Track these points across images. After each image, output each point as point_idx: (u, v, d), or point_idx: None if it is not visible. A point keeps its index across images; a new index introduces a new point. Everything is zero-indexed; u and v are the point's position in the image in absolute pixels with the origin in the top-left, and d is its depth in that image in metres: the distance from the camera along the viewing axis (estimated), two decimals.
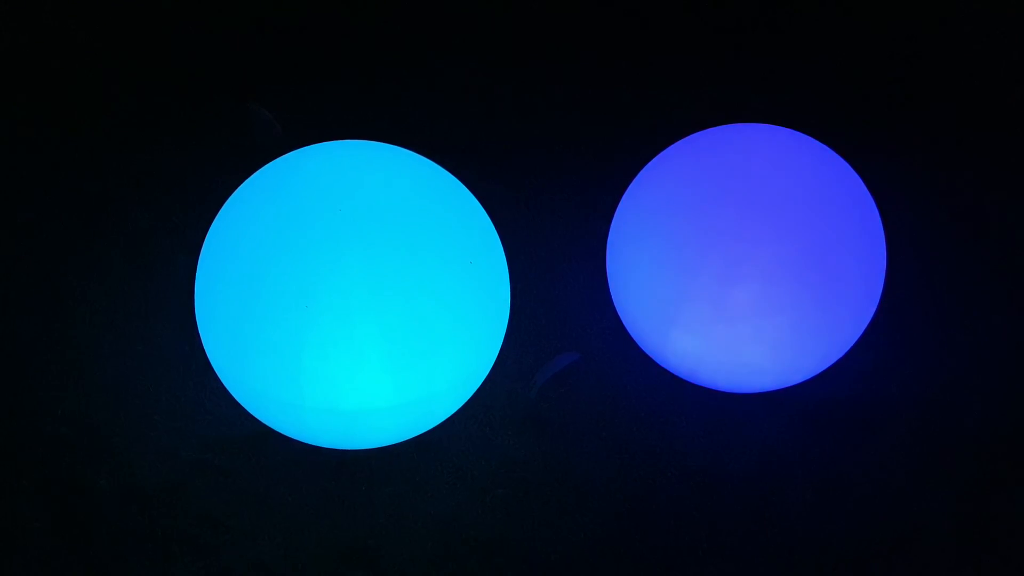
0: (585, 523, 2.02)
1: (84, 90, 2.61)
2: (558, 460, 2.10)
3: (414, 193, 1.85)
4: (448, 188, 1.92)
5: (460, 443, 2.11)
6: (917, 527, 2.02)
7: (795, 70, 2.65)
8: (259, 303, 1.75)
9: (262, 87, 2.61)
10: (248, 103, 2.56)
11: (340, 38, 2.70)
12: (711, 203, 1.88)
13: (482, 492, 2.06)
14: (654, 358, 2.09)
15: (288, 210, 1.78)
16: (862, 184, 1.97)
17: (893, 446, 2.12)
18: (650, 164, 2.06)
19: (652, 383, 2.19)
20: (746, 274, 1.85)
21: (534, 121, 2.57)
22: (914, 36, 2.70)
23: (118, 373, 2.20)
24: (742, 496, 2.06)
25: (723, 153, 1.95)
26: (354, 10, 2.73)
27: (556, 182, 2.47)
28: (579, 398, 2.18)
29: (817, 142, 1.99)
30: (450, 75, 2.65)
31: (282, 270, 1.74)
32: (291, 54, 2.68)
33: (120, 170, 2.49)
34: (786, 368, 1.98)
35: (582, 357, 2.23)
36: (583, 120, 2.57)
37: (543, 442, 2.12)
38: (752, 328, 1.87)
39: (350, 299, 1.73)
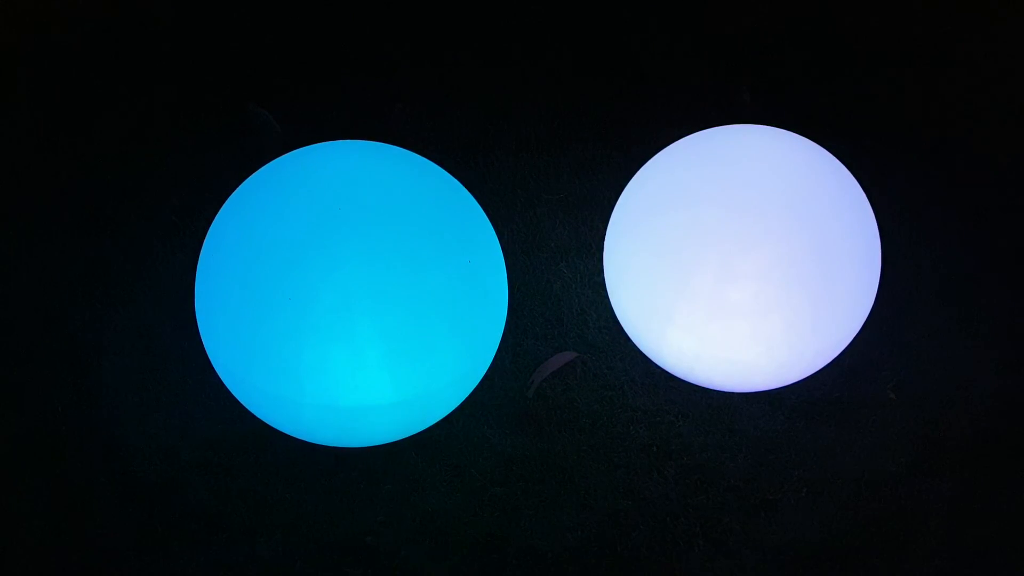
0: (582, 521, 2.03)
1: (84, 90, 2.62)
2: (555, 458, 2.11)
3: (413, 192, 1.85)
4: (446, 187, 1.93)
5: (458, 441, 2.12)
6: (911, 524, 2.03)
7: (792, 72, 2.66)
8: (258, 301, 1.76)
9: (262, 87, 2.62)
10: (248, 103, 2.57)
11: (340, 39, 2.71)
12: (707, 203, 1.89)
13: (480, 490, 2.07)
14: (651, 357, 2.10)
15: (287, 209, 1.79)
16: (857, 185, 1.98)
17: (888, 444, 2.13)
18: (647, 164, 2.06)
19: (649, 381, 2.20)
20: (742, 273, 1.86)
21: (532, 121, 2.58)
22: (908, 38, 2.72)
23: (118, 371, 2.21)
24: (738, 493, 2.07)
25: (719, 154, 1.96)
26: (354, 11, 2.74)
27: (554, 182, 2.48)
28: (576, 396, 2.19)
29: (813, 143, 2.00)
30: (449, 75, 2.66)
31: (281, 269, 1.75)
32: (291, 55, 2.69)
33: (120, 168, 2.49)
34: (782, 366, 1.99)
35: (579, 355, 2.24)
36: (581, 120, 2.58)
37: (540, 440, 2.13)
38: (748, 327, 1.88)
39: (349, 298, 1.74)
